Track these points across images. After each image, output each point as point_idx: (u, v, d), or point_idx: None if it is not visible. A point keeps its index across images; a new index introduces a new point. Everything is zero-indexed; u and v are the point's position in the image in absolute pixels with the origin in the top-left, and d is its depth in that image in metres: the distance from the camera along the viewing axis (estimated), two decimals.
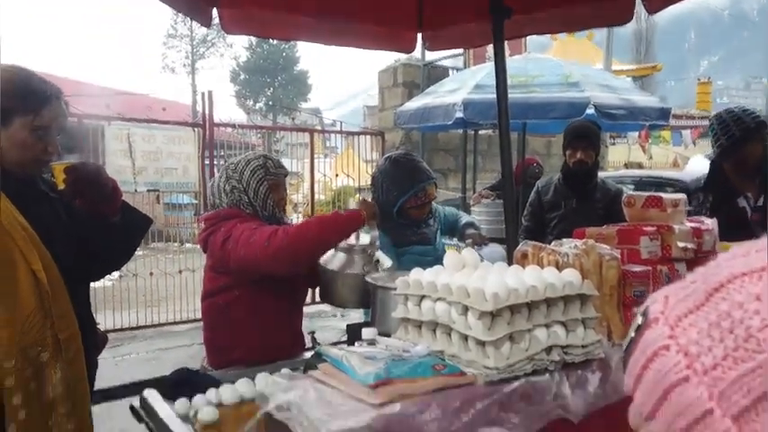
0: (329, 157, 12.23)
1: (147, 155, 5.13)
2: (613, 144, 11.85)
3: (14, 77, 1.37)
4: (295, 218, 7.79)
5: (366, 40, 2.93)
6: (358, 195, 9.38)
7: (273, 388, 1.06)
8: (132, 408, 1.67)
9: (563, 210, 2.93)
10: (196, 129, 5.54)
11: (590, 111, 4.18)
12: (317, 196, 7.15)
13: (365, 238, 2.00)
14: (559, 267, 1.33)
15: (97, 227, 1.58)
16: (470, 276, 1.22)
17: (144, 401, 1.64)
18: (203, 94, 5.68)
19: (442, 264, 2.47)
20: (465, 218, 2.74)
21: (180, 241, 6.64)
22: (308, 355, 1.92)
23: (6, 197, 1.33)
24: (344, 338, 1.97)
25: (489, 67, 4.79)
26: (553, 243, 1.45)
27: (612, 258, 1.37)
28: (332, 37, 2.78)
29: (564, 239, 1.46)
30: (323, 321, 5.48)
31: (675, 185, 5.09)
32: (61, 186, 1.49)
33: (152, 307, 5.64)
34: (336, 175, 7.30)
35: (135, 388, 2.36)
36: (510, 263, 2.42)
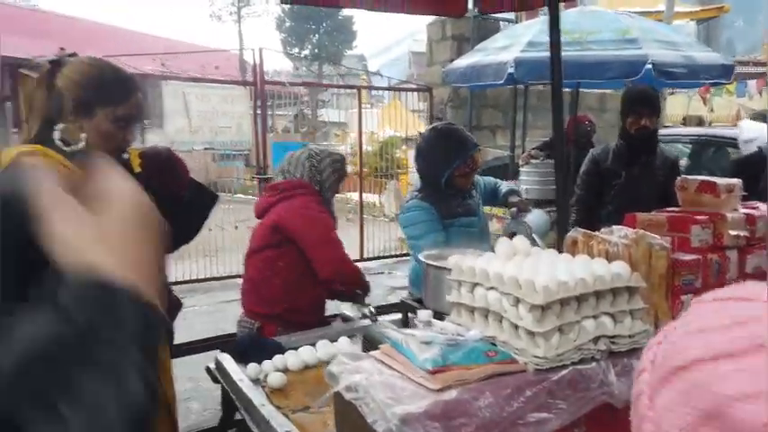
0: (375, 107, 12.18)
1: (203, 114, 5.29)
2: (672, 94, 11.29)
3: (98, 70, 1.48)
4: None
5: (415, 5, 2.92)
6: (405, 147, 9.40)
7: (341, 368, 1.17)
8: (208, 369, 1.85)
9: (623, 179, 2.89)
10: (248, 87, 5.64)
11: (648, 66, 4.04)
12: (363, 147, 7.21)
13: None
14: (609, 257, 1.38)
15: (170, 204, 1.71)
16: (522, 266, 1.29)
17: (219, 364, 1.82)
18: (253, 51, 5.74)
19: (486, 235, 2.55)
20: (504, 185, 2.79)
21: (232, 192, 6.87)
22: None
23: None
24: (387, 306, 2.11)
25: (542, 21, 4.64)
26: (603, 230, 1.49)
27: (662, 248, 1.41)
28: (380, 2, 2.79)
29: (614, 227, 1.50)
30: (369, 278, 5.65)
31: (737, 145, 4.91)
32: (137, 170, 1.62)
33: (209, 258, 5.94)
34: (383, 129, 7.32)
35: (206, 344, 2.59)
36: (557, 230, 2.46)
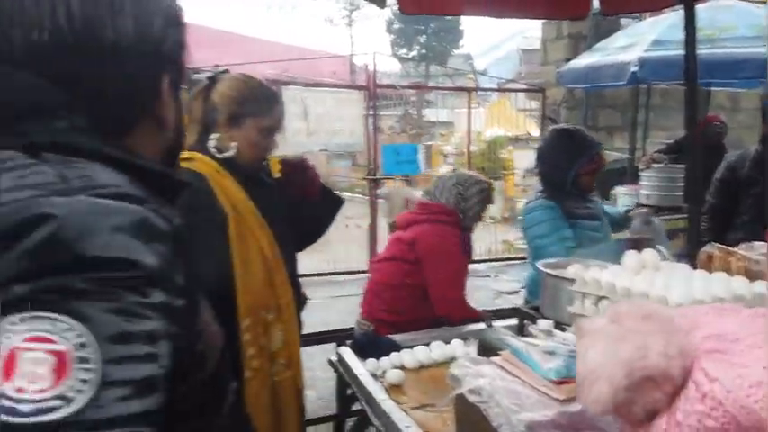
0: (481, 106, 12.05)
1: (319, 117, 5.54)
2: None
3: (246, 85, 1.64)
4: (444, 169, 7.90)
5: (535, 10, 2.89)
6: (510, 148, 9.22)
7: (464, 371, 1.22)
8: (330, 361, 1.98)
9: (761, 187, 2.68)
10: (362, 91, 5.84)
11: None
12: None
13: None
14: (749, 275, 1.31)
15: (304, 208, 1.85)
16: (652, 281, 1.26)
17: (340, 357, 1.93)
18: (366, 56, 5.93)
19: (610, 243, 2.48)
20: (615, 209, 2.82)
21: (338, 190, 7.13)
22: None
23: (238, 186, 1.62)
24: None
25: (670, 19, 4.37)
26: (743, 246, 1.41)
27: None
28: (499, 9, 2.79)
29: (754, 243, 1.41)
30: (476, 281, 5.64)
31: None
32: (276, 175, 1.77)
33: (319, 252, 6.21)
34: (489, 128, 7.24)
35: (321, 337, 2.74)
36: (687, 240, 2.32)
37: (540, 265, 1.79)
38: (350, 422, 2.05)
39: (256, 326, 1.58)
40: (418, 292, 2.30)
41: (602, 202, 2.69)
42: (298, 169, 1.77)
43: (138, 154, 0.64)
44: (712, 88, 5.23)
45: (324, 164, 6.27)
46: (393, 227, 2.90)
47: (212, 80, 1.61)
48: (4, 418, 0.43)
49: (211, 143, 1.58)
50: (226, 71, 1.65)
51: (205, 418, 0.67)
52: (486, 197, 2.41)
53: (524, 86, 7.18)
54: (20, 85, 0.57)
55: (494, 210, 8.30)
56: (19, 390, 0.44)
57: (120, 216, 0.52)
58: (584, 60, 4.87)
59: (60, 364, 0.45)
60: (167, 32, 0.67)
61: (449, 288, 2.29)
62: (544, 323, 1.42)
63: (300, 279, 1.87)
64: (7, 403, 0.44)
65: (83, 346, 0.46)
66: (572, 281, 1.51)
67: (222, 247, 1.53)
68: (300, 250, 2.09)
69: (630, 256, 1.39)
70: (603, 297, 1.31)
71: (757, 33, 3.98)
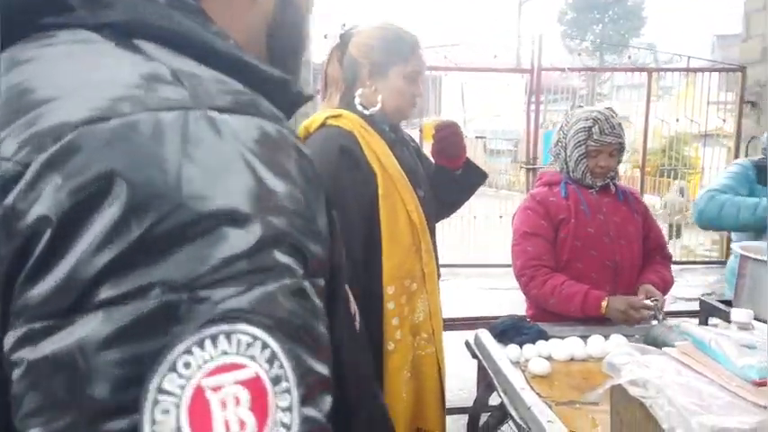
0: (661, 99, 10.82)
1: (477, 103, 5.35)
2: None
3: (386, 32, 1.53)
4: (622, 169, 7.18)
5: None
6: (697, 145, 8.10)
7: (625, 359, 0.97)
8: (467, 344, 1.80)
9: None
10: (524, 75, 5.51)
11: None
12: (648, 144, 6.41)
13: None
14: None
15: (445, 174, 1.70)
16: None
17: (477, 340, 1.74)
18: (533, 38, 5.57)
19: None
20: None
21: (495, 187, 6.86)
22: None
23: (385, 145, 1.50)
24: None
25: None
26: None
27: None
28: None
29: None
30: None
31: None
32: (429, 140, 1.65)
33: (470, 244, 6.03)
34: (677, 120, 6.40)
35: (469, 322, 2.56)
36: None
37: (736, 246, 1.43)
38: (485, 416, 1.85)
39: (400, 295, 1.46)
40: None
41: None
42: (450, 133, 1.63)
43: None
44: None
45: (481, 153, 6.05)
46: None
47: (345, 37, 1.52)
48: None
49: (357, 99, 1.50)
50: (355, 26, 1.55)
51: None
52: (584, 134, 1.84)
53: (718, 66, 6.22)
54: None
55: (670, 208, 7.38)
56: None
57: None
58: None
59: (258, 398, 0.32)
60: None
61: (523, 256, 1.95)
62: (741, 313, 1.10)
63: (452, 268, 1.73)
64: None
65: (272, 360, 0.33)
66: None
67: (371, 207, 1.43)
68: (438, 220, 1.94)
69: None
70: None
71: None
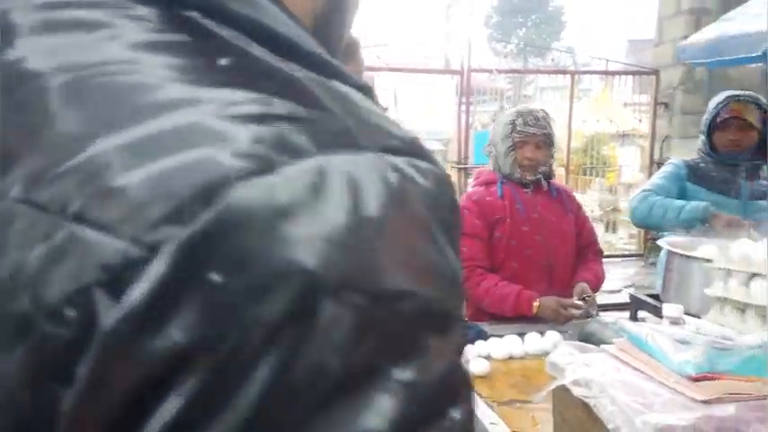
0: (580, 101, 11.35)
1: (407, 104, 5.38)
2: None
3: None
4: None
5: None
6: (613, 144, 8.54)
7: (567, 359, 0.97)
8: None
9: None
10: (454, 76, 5.59)
11: None
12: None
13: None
14: None
15: None
16: None
17: None
18: (461, 41, 5.67)
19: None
20: None
21: None
22: None
23: None
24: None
25: None
26: None
27: None
28: None
29: None
30: None
31: None
32: None
33: None
34: (597, 121, 6.71)
35: None
36: None
37: (663, 243, 1.48)
38: None
39: None
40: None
41: None
42: None
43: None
44: None
45: None
46: None
47: None
48: None
49: None
50: None
51: None
52: (509, 127, 1.88)
53: (634, 69, 6.57)
54: None
55: (592, 205, 7.74)
56: None
57: None
58: (709, 33, 4.30)
59: None
60: None
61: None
62: (672, 308, 1.13)
63: None
64: None
65: None
66: (705, 260, 1.21)
67: None
68: None
69: None
70: (756, 274, 1.00)
71: None
